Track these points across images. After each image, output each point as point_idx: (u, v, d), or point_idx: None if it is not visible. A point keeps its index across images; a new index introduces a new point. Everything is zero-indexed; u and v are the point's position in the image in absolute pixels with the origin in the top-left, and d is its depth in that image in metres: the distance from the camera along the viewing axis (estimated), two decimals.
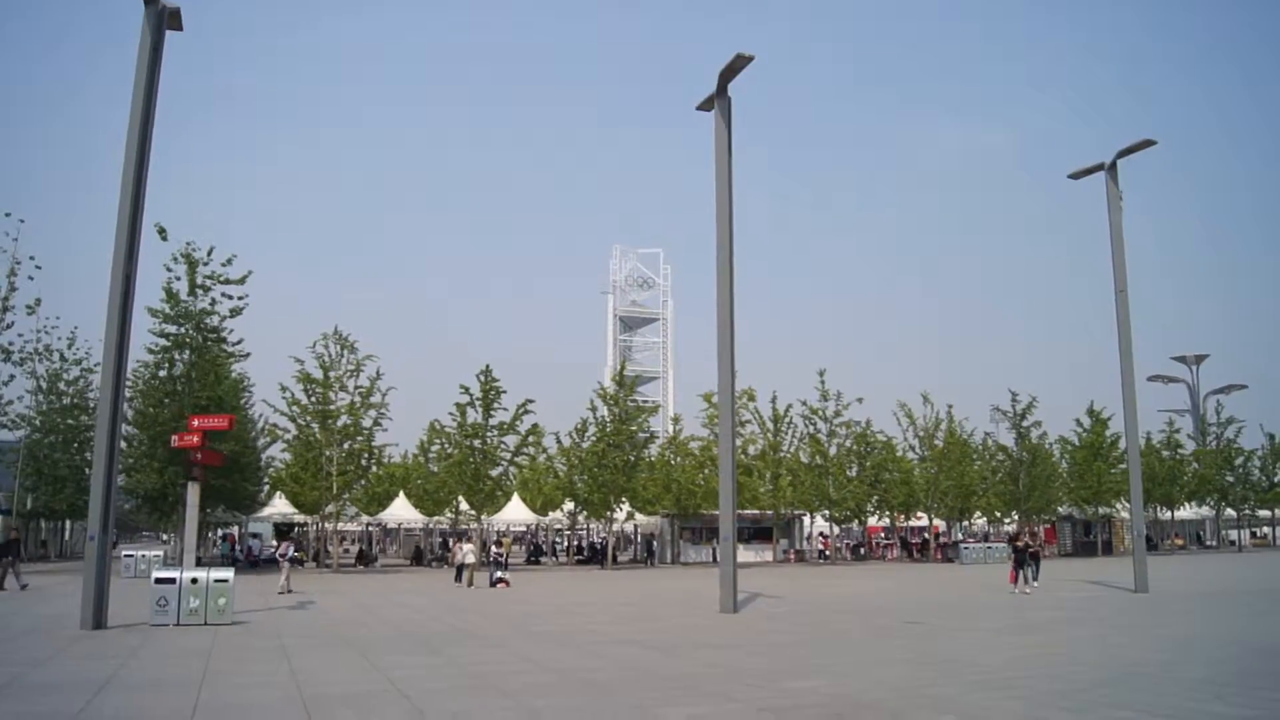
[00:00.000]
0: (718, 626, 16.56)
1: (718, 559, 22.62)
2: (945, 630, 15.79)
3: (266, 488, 47.16)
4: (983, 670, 11.07)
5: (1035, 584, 25.07)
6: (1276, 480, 58.72)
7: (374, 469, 40.23)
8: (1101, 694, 9.31)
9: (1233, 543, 62.62)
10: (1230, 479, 58.00)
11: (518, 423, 40.81)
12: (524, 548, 54.96)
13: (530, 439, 41.63)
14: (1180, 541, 59.82)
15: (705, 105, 21.45)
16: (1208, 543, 63.72)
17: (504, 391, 40.62)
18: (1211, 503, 58.88)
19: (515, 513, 48.93)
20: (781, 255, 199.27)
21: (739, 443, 42.21)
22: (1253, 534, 65.60)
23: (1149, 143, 25.39)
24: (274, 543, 43.32)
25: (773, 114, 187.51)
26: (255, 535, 49.92)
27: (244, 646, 13.11)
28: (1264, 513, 59.53)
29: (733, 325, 20.63)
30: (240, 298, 32.68)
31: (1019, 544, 25.50)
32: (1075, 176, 27.28)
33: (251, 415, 44.80)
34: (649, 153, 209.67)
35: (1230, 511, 59.88)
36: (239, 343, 34.05)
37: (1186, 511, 60.16)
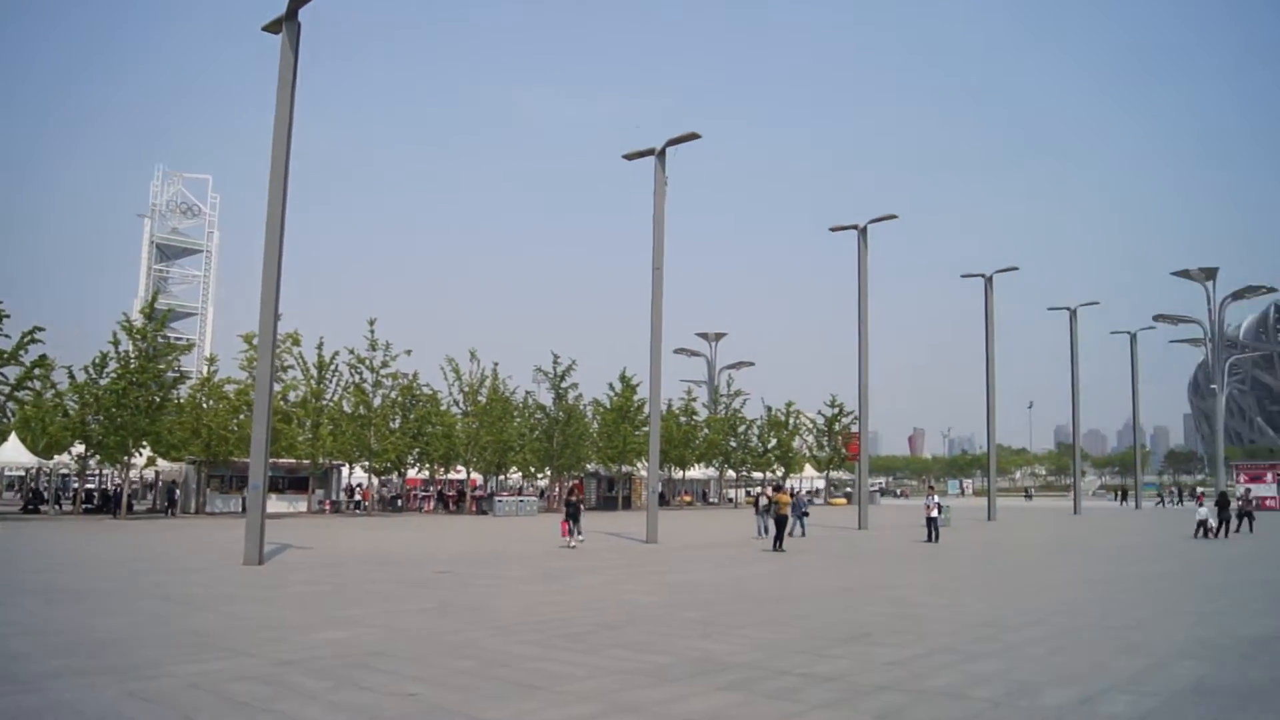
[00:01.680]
0: (242, 579, 17.59)
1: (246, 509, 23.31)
2: (474, 580, 17.92)
3: None
4: (503, 616, 12.88)
5: (581, 538, 27.46)
6: (770, 446, 74.27)
7: None
8: (607, 635, 11.31)
9: (730, 500, 77.84)
10: (733, 444, 72.50)
11: (21, 352, 40.65)
12: (20, 495, 53.22)
13: (37, 372, 41.57)
14: (689, 498, 73.23)
15: (272, 27, 21.89)
16: (711, 499, 78.37)
17: (6, 316, 40.32)
18: (716, 464, 72.98)
19: (11, 454, 47.76)
20: (347, 203, 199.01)
21: (279, 388, 45.38)
22: (747, 493, 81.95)
23: (694, 135, 30.24)
24: None
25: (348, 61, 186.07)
26: None
27: None
28: (757, 475, 74.74)
29: (280, 263, 21.28)
30: None
31: (571, 499, 28.02)
32: (629, 158, 31.92)
33: None
34: (206, 76, 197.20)
35: (731, 473, 74.94)
36: None
37: (696, 472, 73.70)
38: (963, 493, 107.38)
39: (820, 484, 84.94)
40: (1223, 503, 33.27)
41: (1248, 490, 46.39)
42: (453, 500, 58.18)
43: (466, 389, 56.04)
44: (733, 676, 9.23)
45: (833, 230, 42.93)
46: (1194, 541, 30.17)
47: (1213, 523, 31.69)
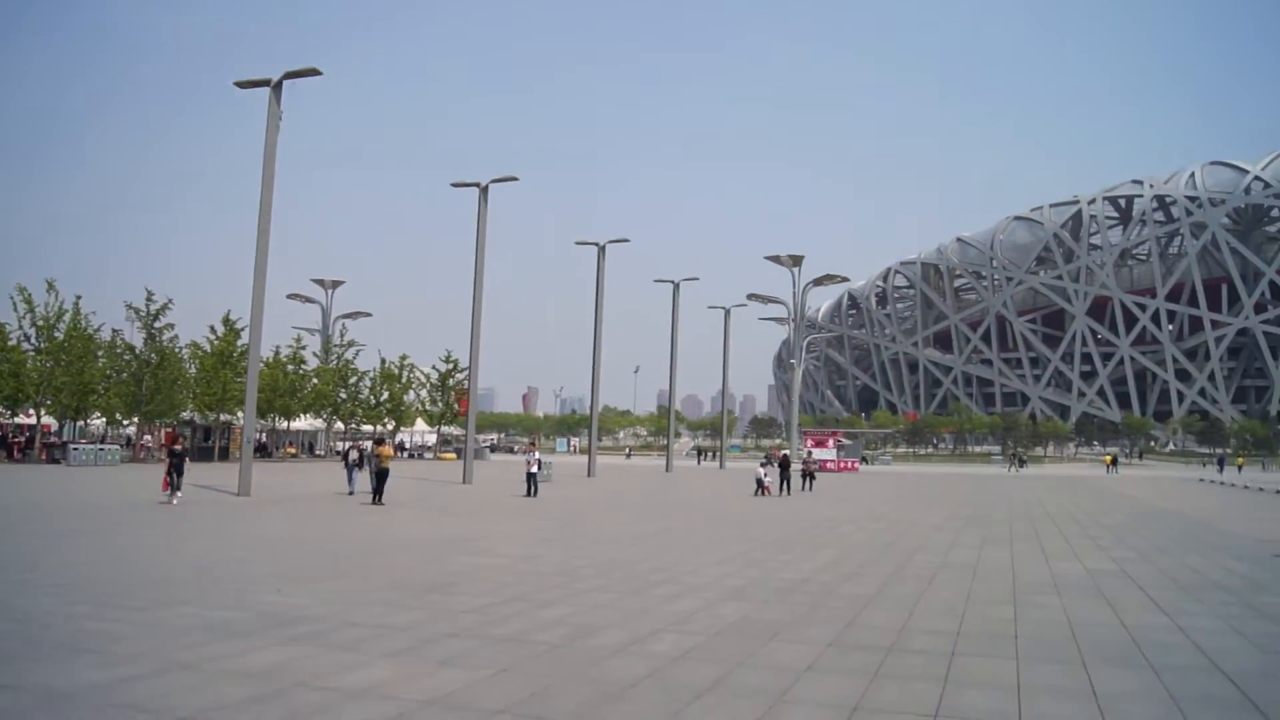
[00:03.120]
0: None
1: None
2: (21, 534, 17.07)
3: None
4: (42, 573, 12.25)
5: (180, 494, 25.18)
6: (382, 399, 73.31)
7: None
8: (166, 592, 10.96)
9: (338, 452, 75.92)
10: (344, 396, 70.71)
11: None
12: None
13: None
14: (293, 450, 70.61)
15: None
16: (318, 452, 76.09)
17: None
18: (325, 416, 70.87)
19: None
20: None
21: None
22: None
23: (314, 71, 29.03)
24: None
25: None
26: None
27: None
28: (367, 427, 73.40)
29: None
30: None
31: (175, 448, 25.45)
32: (241, 86, 29.94)
33: None
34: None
35: (340, 425, 73.07)
36: None
37: (303, 423, 71.15)
38: (570, 450, 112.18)
39: (432, 439, 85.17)
40: (783, 464, 37.55)
41: (809, 454, 52.63)
42: (19, 447, 51.96)
43: (41, 323, 50.09)
44: (302, 630, 9.22)
45: (454, 186, 43.01)
46: (754, 499, 33.82)
47: (768, 481, 35.58)
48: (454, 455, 73.77)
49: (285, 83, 29.82)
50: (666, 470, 62.83)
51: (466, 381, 56.69)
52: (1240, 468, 79.82)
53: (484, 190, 41.72)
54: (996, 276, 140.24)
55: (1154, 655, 8.92)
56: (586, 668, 8.13)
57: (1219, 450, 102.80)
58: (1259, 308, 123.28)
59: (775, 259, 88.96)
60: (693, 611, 10.94)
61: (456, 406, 73.14)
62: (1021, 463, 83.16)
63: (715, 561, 15.64)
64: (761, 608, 11.30)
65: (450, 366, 77.31)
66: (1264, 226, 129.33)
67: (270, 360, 62.70)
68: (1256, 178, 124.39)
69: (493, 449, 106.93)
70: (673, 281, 64.61)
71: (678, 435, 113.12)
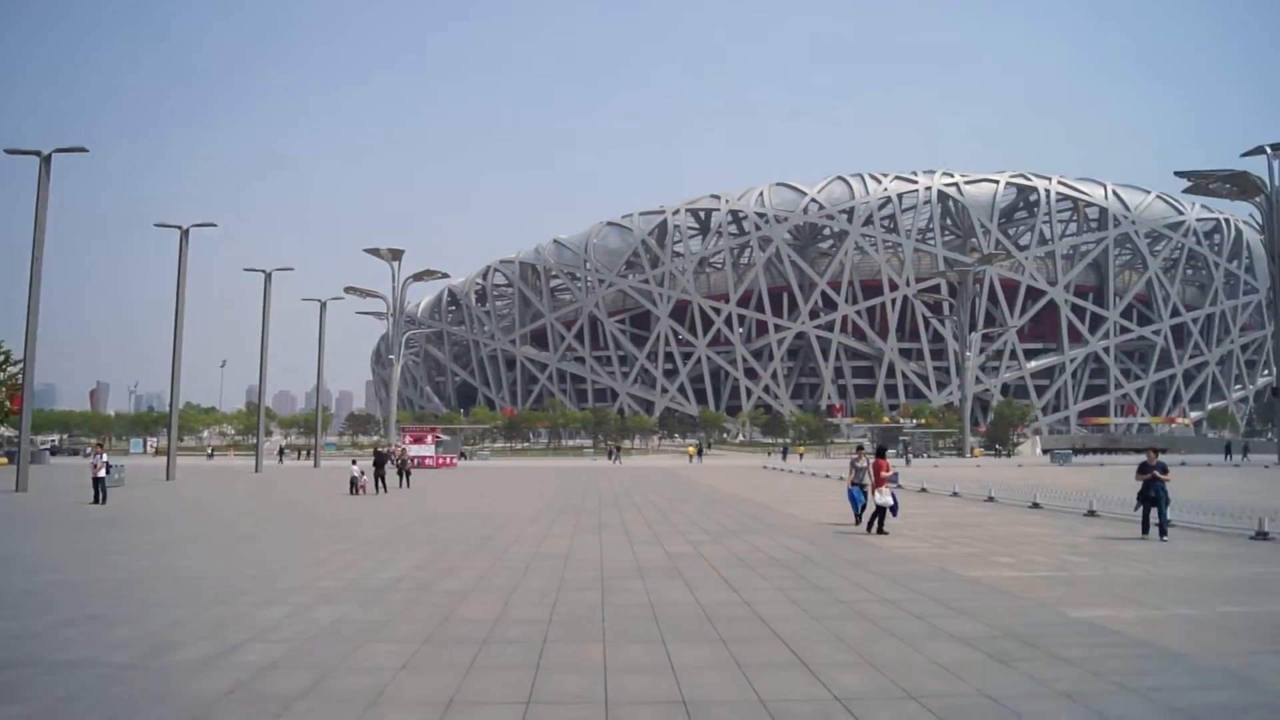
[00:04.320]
0: None
1: None
2: None
3: None
4: None
5: None
6: None
7: None
8: None
9: None
10: None
11: None
12: None
13: None
14: None
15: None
16: None
17: None
18: None
19: None
20: None
21: None
22: None
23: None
24: None
25: None
26: None
27: None
28: None
29: None
30: None
31: None
32: None
33: None
34: None
35: None
36: None
37: None
38: (149, 451, 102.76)
39: None
40: (378, 461, 36.95)
41: (404, 450, 52.11)
42: None
43: None
44: None
45: (9, 153, 37.93)
46: (350, 498, 32.95)
47: (365, 479, 34.87)
48: (5, 460, 64.61)
49: None
50: (256, 471, 59.39)
51: (20, 376, 49.84)
52: (801, 455, 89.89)
53: (46, 160, 37.11)
54: (590, 278, 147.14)
55: (724, 629, 9.84)
56: (164, 686, 7.58)
57: (781, 440, 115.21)
58: (813, 314, 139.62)
59: (374, 252, 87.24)
60: (284, 618, 10.50)
61: (8, 404, 64.03)
62: (616, 453, 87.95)
63: (309, 564, 15.09)
64: (357, 609, 11.09)
65: (2, 359, 67.55)
66: (818, 243, 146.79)
67: None
68: (813, 199, 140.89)
69: (54, 451, 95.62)
70: (264, 271, 61.23)
71: (269, 434, 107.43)
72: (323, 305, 72.95)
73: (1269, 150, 65.00)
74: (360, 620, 10.38)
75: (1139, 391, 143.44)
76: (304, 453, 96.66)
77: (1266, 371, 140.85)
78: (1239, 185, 65.59)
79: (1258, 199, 65.54)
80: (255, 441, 69.16)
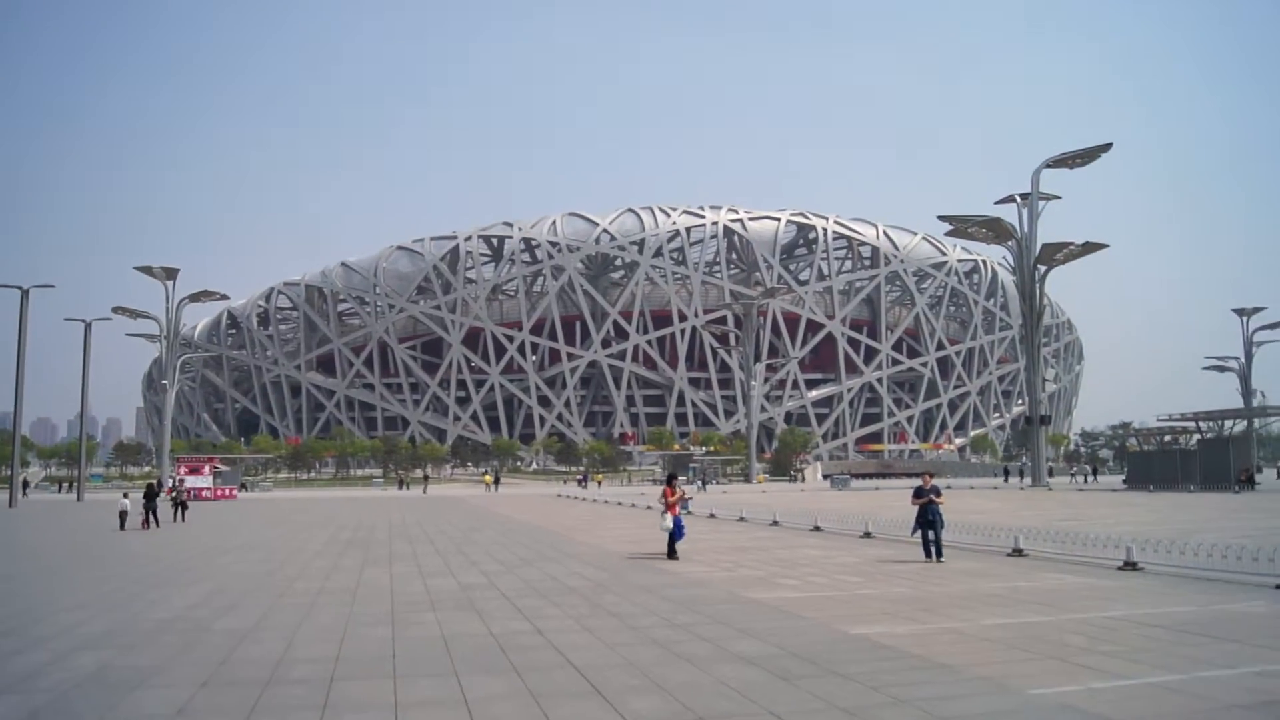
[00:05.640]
0: None
1: None
2: None
3: None
4: None
5: None
6: None
7: None
8: None
9: None
10: None
11: None
12: None
13: None
14: None
15: None
16: None
17: None
18: None
19: None
20: None
21: None
22: None
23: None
24: None
25: None
26: None
27: None
28: None
29: None
30: None
31: None
32: None
33: None
34: None
35: None
36: None
37: None
38: None
39: None
40: (149, 493, 34.60)
41: (181, 481, 49.10)
42: None
43: None
44: None
45: None
46: (120, 533, 30.73)
47: (135, 511, 32.69)
48: None
49: None
50: (11, 506, 54.42)
51: None
52: (600, 483, 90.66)
53: None
54: (379, 303, 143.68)
55: (517, 658, 9.78)
56: None
57: (578, 469, 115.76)
58: (605, 343, 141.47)
59: (147, 270, 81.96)
60: (42, 666, 9.68)
61: None
62: (403, 485, 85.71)
63: (72, 606, 13.97)
64: (125, 653, 10.36)
65: None
66: (610, 273, 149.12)
67: None
68: (605, 230, 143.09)
69: None
70: (20, 288, 56.51)
71: (26, 464, 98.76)
72: (87, 326, 67.98)
73: (1019, 199, 71.35)
74: (129, 665, 9.69)
75: (910, 420, 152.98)
76: (66, 485, 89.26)
77: (1020, 401, 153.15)
78: (993, 230, 71.29)
79: (1009, 243, 71.54)
80: (11, 473, 63.42)
